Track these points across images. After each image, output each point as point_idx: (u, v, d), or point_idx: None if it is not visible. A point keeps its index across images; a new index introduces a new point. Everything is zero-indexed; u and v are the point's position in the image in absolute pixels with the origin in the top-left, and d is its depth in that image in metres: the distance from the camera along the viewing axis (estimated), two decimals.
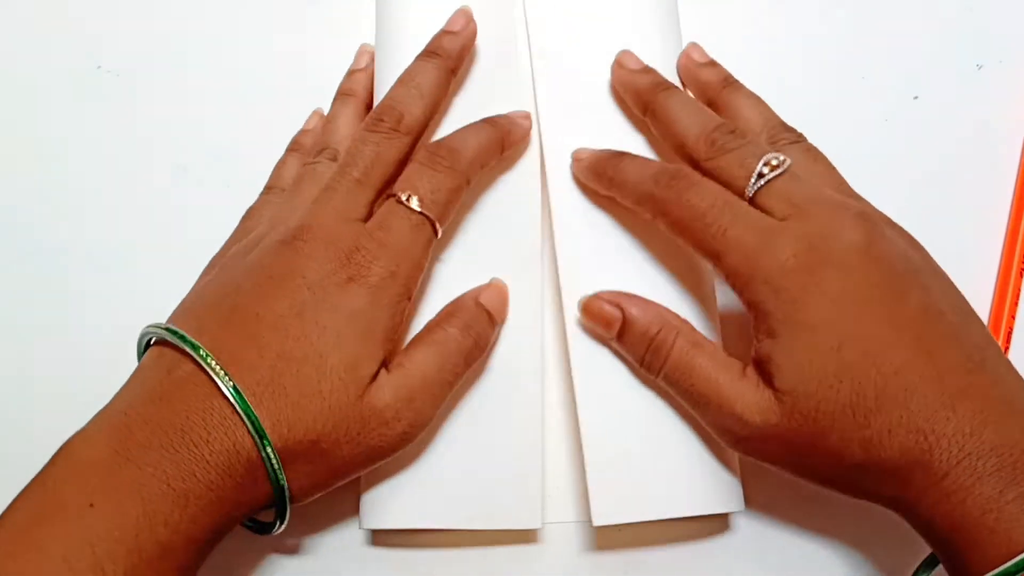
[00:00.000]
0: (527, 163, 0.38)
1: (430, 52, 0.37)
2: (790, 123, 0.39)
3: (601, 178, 0.36)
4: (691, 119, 0.35)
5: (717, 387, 0.31)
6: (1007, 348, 0.39)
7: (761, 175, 0.32)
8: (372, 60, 0.40)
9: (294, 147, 0.40)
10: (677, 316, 0.34)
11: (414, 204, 0.33)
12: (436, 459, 0.35)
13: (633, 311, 0.34)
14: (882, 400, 0.29)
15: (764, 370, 0.31)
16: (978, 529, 0.27)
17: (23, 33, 0.42)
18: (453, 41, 0.37)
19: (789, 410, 0.30)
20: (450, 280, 0.36)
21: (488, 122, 0.37)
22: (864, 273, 0.30)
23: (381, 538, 0.37)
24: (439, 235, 0.34)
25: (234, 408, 0.29)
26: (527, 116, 0.38)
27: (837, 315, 0.29)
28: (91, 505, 0.27)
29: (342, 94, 0.40)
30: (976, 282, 0.40)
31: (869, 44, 0.42)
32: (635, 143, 0.38)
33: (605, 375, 0.35)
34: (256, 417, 0.29)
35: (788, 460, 0.31)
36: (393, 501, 0.34)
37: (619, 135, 0.38)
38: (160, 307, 0.36)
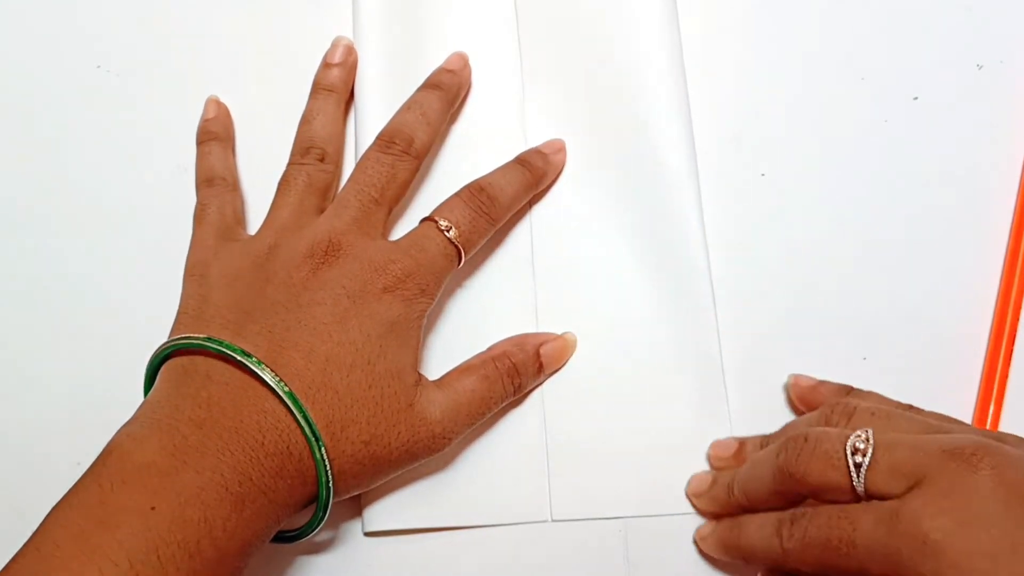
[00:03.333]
0: None
1: (433, 84, 0.38)
2: (788, 124, 0.40)
3: (730, 550, 0.34)
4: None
5: None
6: (1011, 351, 0.38)
7: (858, 466, 0.29)
8: (349, 54, 0.40)
9: (210, 136, 0.40)
10: None
11: (452, 234, 0.34)
12: (444, 460, 0.36)
13: None
14: None
15: None
16: None
17: (23, 33, 0.42)
18: (452, 79, 0.39)
19: None
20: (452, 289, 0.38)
21: (524, 164, 0.38)
22: (1007, 513, 0.27)
23: (382, 540, 0.36)
24: (460, 266, 0.35)
25: (288, 411, 0.30)
26: (562, 148, 0.39)
27: (995, 568, 0.27)
28: (153, 508, 0.27)
29: (321, 89, 0.39)
30: (979, 283, 0.39)
31: (869, 44, 0.42)
32: (622, 163, 0.39)
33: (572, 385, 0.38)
34: (312, 420, 0.30)
35: None
36: (402, 503, 0.36)
37: (606, 161, 0.39)
38: (160, 307, 0.36)
